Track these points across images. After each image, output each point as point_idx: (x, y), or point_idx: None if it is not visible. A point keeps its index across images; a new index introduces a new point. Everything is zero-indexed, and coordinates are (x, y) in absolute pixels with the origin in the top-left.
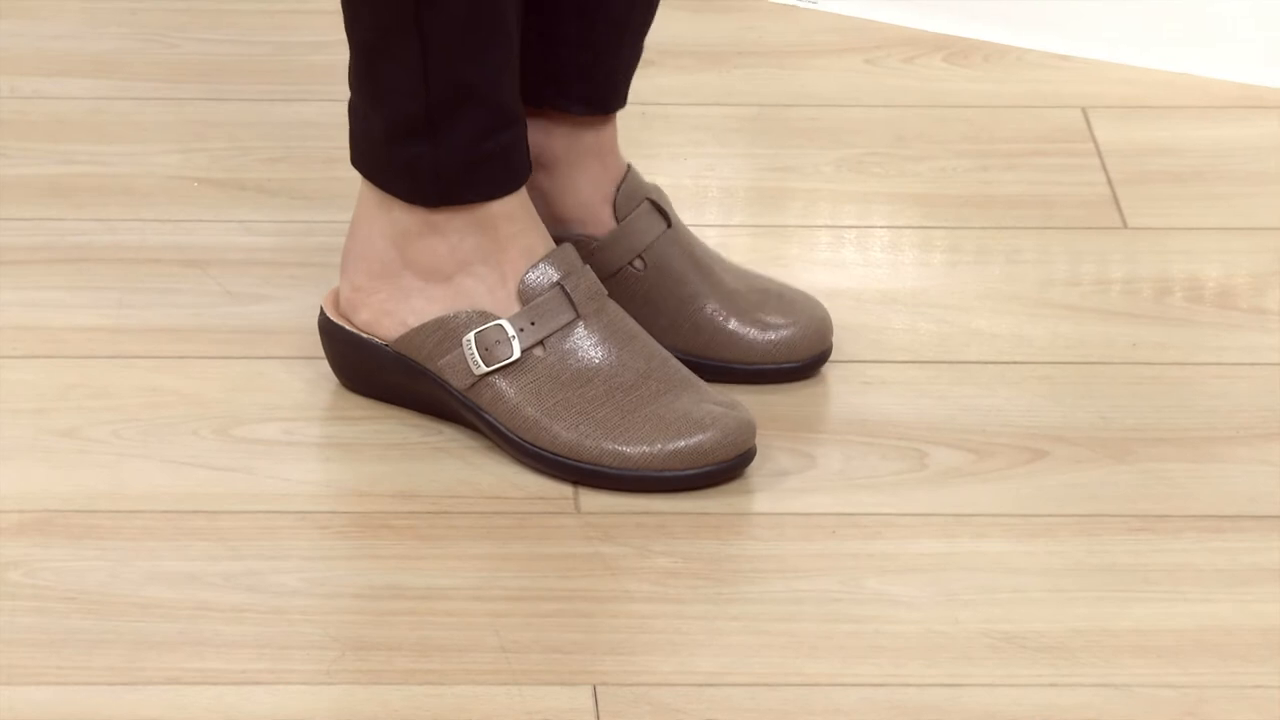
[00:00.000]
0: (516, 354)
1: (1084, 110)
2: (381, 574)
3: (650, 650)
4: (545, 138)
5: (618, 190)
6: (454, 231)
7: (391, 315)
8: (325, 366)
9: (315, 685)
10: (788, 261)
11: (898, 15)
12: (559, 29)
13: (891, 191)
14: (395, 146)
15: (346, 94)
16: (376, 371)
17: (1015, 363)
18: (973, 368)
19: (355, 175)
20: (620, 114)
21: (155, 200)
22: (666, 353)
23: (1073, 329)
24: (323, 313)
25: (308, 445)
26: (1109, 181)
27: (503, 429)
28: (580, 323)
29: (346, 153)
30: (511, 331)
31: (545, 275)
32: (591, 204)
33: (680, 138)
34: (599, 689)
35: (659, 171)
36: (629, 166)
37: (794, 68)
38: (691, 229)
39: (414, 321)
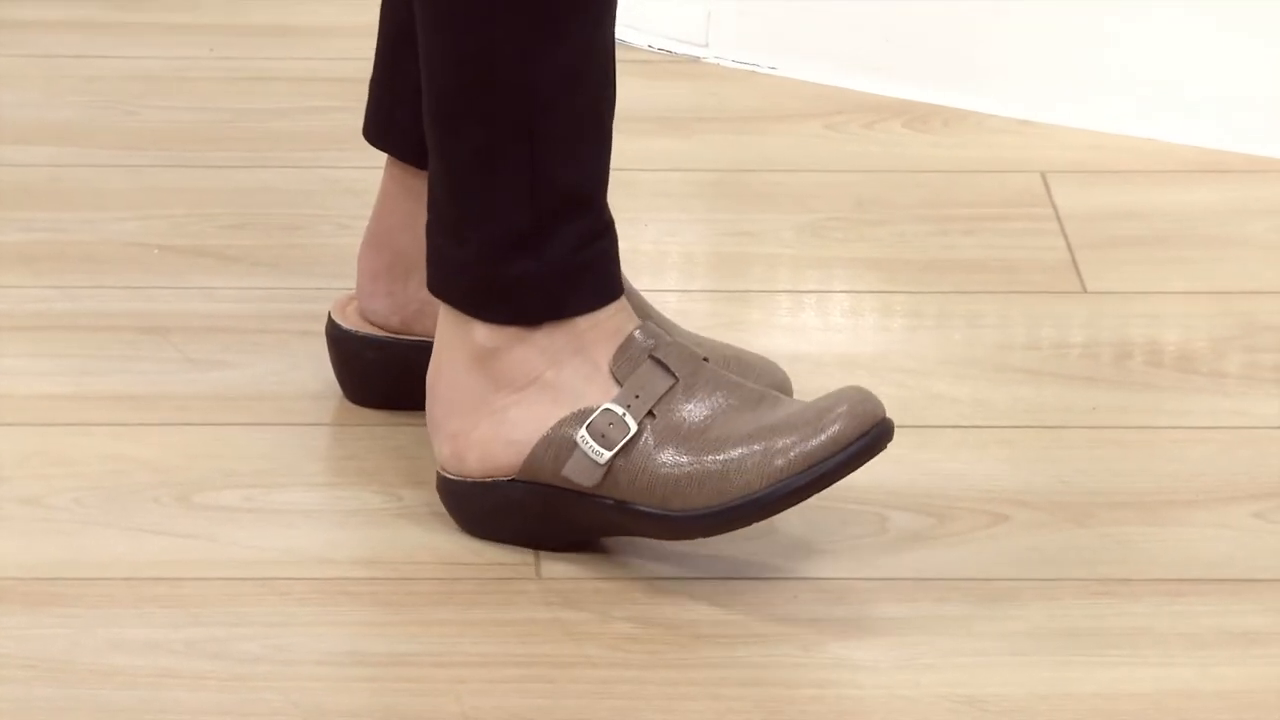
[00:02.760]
0: (633, 428)
1: (1043, 175)
2: (343, 640)
3: (611, 716)
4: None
5: None
6: (542, 335)
7: (495, 444)
8: (286, 433)
9: None
10: (748, 326)
11: (858, 81)
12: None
13: (852, 256)
14: (496, 266)
15: (306, 159)
16: (511, 513)
17: (975, 427)
18: (933, 432)
19: (315, 241)
20: None
21: (115, 267)
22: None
23: (1033, 393)
24: (440, 477)
25: (269, 512)
26: (1068, 246)
27: (648, 509)
28: (681, 384)
29: (307, 218)
30: (620, 410)
31: (637, 350)
32: None
33: (640, 203)
34: None
35: (619, 236)
36: None
37: (754, 133)
38: (650, 294)
39: (523, 437)
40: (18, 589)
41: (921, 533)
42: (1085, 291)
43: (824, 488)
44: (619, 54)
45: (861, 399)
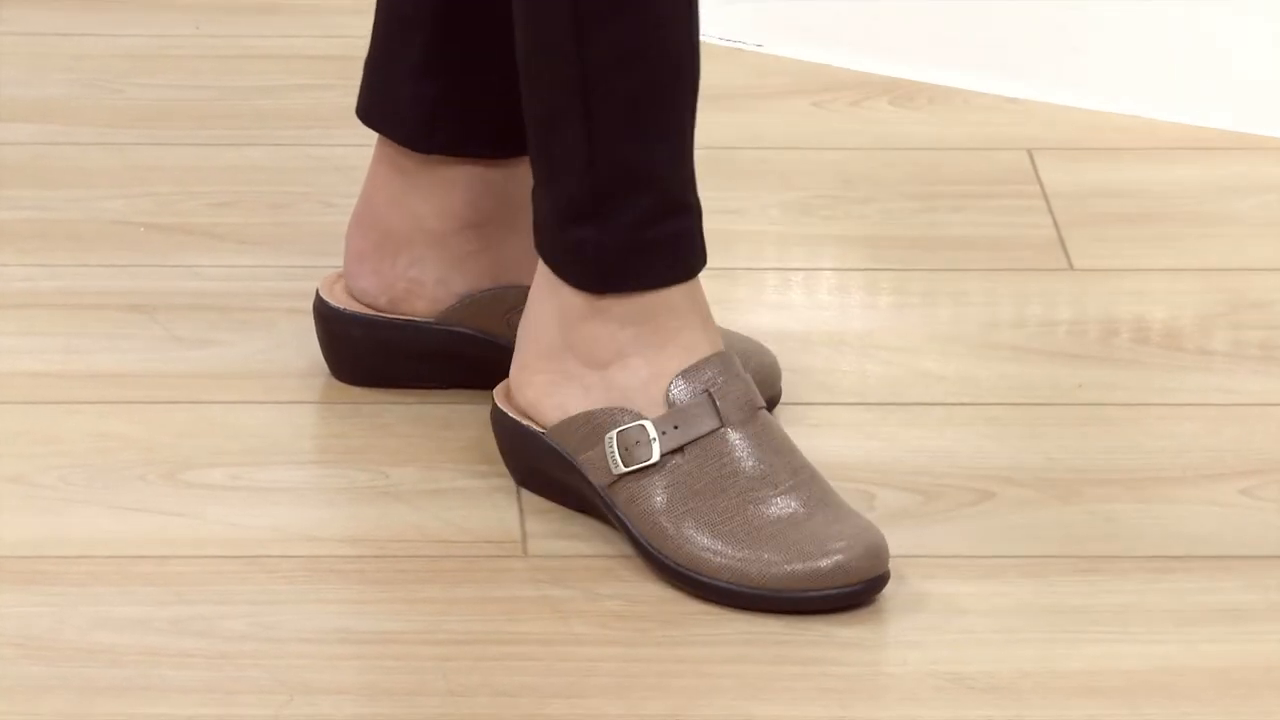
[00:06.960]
0: (655, 457)
1: (1029, 152)
2: (329, 618)
3: (598, 693)
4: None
5: None
6: (615, 319)
7: (550, 398)
8: (273, 411)
9: None
10: (734, 304)
11: (844, 58)
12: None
13: (838, 234)
14: (563, 228)
15: (292, 137)
16: (535, 462)
17: (962, 404)
18: (920, 409)
19: (302, 219)
20: None
21: (101, 245)
22: (812, 469)
23: (1019, 370)
24: (494, 408)
25: (255, 490)
26: (1055, 223)
27: (635, 533)
28: (724, 432)
29: (294, 196)
30: (654, 434)
31: (697, 379)
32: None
33: None
34: None
35: None
36: None
37: (741, 110)
38: None
39: (569, 407)
40: (3, 567)
41: (908, 510)
42: (1072, 269)
43: (797, 611)
44: None
45: (868, 546)
